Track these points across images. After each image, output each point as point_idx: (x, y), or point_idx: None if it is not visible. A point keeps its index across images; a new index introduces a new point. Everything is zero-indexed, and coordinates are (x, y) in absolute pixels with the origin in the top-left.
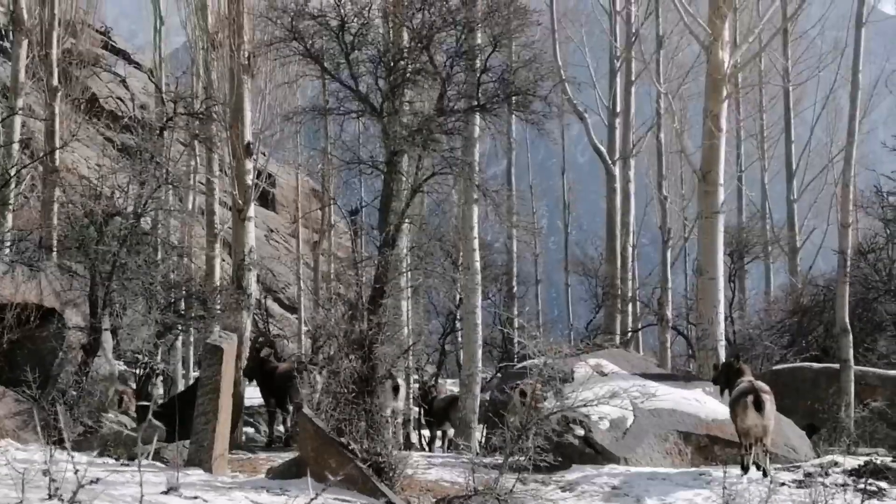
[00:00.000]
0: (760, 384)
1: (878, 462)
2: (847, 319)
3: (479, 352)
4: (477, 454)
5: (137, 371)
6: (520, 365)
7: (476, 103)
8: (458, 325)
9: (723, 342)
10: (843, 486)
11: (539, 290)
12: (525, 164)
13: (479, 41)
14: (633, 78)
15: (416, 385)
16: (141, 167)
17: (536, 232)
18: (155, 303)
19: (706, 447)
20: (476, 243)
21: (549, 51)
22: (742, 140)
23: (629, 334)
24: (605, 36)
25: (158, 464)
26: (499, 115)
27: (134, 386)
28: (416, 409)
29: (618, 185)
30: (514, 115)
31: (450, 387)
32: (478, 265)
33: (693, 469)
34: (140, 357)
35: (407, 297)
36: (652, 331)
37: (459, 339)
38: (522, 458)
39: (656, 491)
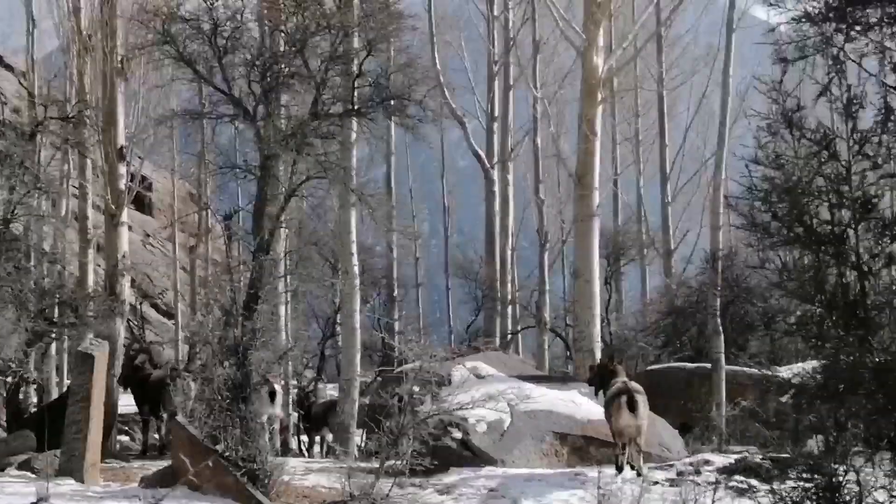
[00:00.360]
0: (634, 385)
1: (749, 460)
2: (719, 320)
3: (358, 356)
4: (355, 459)
5: (8, 380)
6: (399, 369)
7: (351, 107)
8: (337, 329)
9: (599, 343)
10: (714, 483)
11: (420, 293)
12: (406, 168)
13: (355, 45)
14: (510, 83)
15: (296, 390)
16: (10, 172)
17: (416, 236)
18: (25, 310)
19: (582, 448)
20: (354, 247)
21: (427, 55)
22: (618, 144)
23: (508, 337)
24: (483, 41)
25: (29, 474)
26: (374, 120)
27: (4, 395)
28: (295, 414)
29: (496, 189)
30: (392, 119)
31: (330, 391)
32: (356, 269)
33: (569, 470)
34: (11, 365)
35: (285, 301)
36: (532, 333)
37: (340, 343)
38: (399, 463)
39: (533, 492)
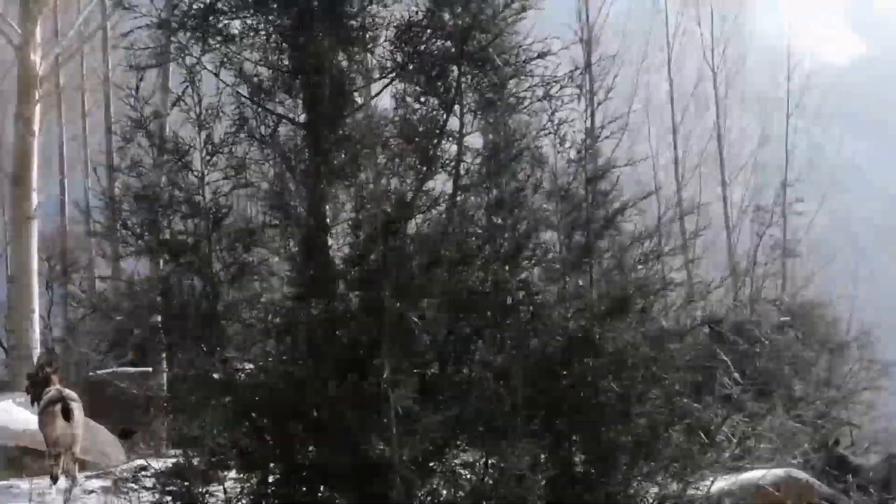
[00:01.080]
0: (69, 392)
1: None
2: (159, 318)
3: None
4: None
5: None
6: None
7: None
8: None
9: (38, 350)
10: (152, 489)
11: None
12: None
13: None
14: None
15: None
16: None
17: None
18: None
19: (16, 459)
20: None
21: None
22: (65, 143)
23: None
24: None
25: None
26: None
27: None
28: None
29: None
30: None
31: None
32: None
33: (2, 483)
34: None
35: None
36: None
37: None
38: None
39: None
